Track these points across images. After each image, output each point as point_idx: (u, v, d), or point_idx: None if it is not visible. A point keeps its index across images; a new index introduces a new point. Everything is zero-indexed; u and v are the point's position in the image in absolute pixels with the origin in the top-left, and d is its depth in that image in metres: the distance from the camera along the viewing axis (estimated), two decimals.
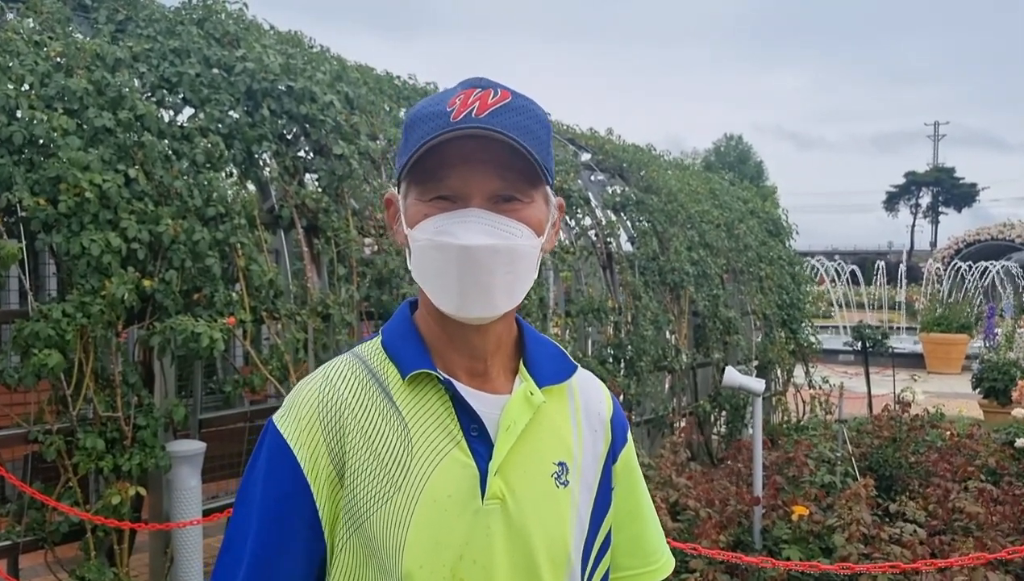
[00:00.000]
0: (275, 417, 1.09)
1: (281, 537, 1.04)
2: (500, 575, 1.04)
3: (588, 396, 1.21)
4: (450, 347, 1.10)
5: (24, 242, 3.57)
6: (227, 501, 4.32)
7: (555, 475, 1.11)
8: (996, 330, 10.96)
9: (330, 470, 1.04)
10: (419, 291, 1.11)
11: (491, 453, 1.06)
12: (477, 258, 1.01)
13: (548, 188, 1.09)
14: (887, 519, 4.00)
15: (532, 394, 1.11)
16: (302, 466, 1.04)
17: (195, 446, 3.90)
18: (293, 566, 1.05)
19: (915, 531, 3.32)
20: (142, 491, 3.67)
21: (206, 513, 4.01)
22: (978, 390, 9.80)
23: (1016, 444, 5.79)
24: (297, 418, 1.06)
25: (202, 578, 3.99)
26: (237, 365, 5.07)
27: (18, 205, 3.45)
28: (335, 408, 1.06)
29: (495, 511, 1.05)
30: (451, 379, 1.08)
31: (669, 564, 1.28)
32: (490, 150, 1.00)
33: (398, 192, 1.10)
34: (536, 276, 1.09)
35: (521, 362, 1.15)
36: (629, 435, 1.26)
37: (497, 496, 1.05)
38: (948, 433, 5.78)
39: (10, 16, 4.11)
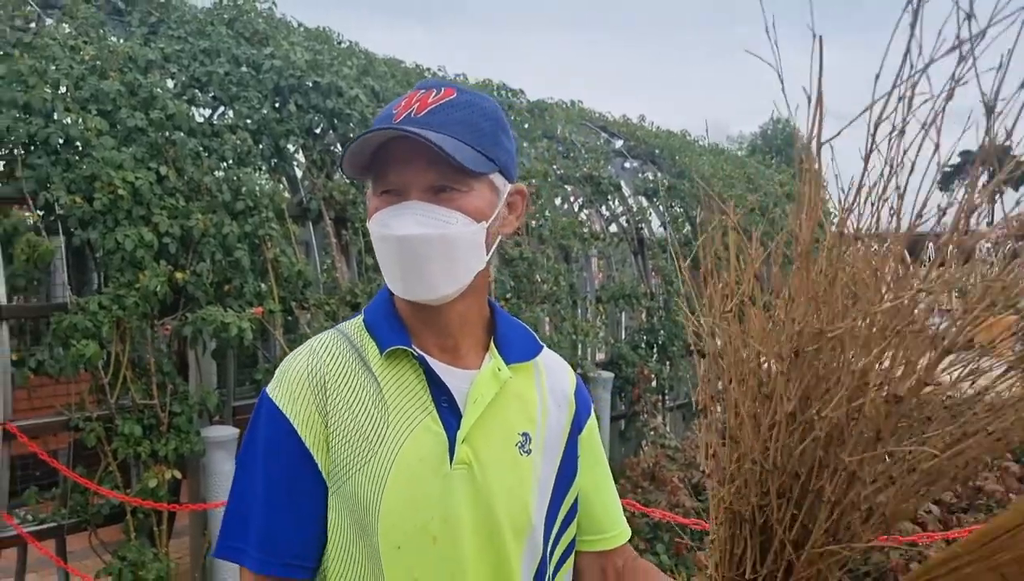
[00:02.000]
0: (268, 389, 1.17)
1: (288, 475, 1.12)
2: (467, 535, 1.13)
3: (553, 374, 1.30)
4: (421, 325, 1.19)
5: (63, 239, 3.75)
6: None
7: (519, 444, 1.19)
8: None
9: (323, 431, 1.13)
10: None
11: (460, 423, 1.15)
12: (411, 247, 1.10)
13: (497, 175, 1.17)
14: None
15: (499, 370, 1.20)
16: (297, 429, 1.12)
17: (229, 431, 4.05)
18: (303, 501, 1.13)
19: (929, 509, 3.33)
20: (178, 474, 3.83)
21: None
22: None
23: None
24: (288, 388, 1.14)
25: None
26: (276, 354, 5.22)
27: (56, 203, 3.62)
28: (320, 377, 1.14)
29: (463, 475, 1.13)
30: (424, 355, 1.16)
31: (626, 533, 1.37)
32: (421, 147, 1.09)
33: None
34: (486, 258, 1.17)
35: (492, 341, 1.24)
36: (593, 411, 1.35)
37: (464, 462, 1.13)
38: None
39: (48, 22, 4.28)
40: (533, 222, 5.99)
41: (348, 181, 4.76)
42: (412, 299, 1.14)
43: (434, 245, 1.10)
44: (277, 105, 4.59)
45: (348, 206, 4.71)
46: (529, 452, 1.20)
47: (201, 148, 4.11)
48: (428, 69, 6.56)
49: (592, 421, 1.33)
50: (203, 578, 4.22)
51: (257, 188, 4.21)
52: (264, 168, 4.51)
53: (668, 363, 6.62)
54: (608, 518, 1.34)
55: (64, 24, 4.26)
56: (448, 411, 1.15)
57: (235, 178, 4.12)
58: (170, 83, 4.31)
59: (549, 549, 1.23)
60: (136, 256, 3.66)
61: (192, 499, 4.19)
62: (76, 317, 3.52)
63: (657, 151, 7.82)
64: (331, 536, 1.14)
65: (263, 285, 4.15)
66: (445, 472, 1.13)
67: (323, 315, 4.42)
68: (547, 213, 6.01)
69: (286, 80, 4.60)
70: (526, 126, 6.74)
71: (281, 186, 4.69)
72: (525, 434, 1.20)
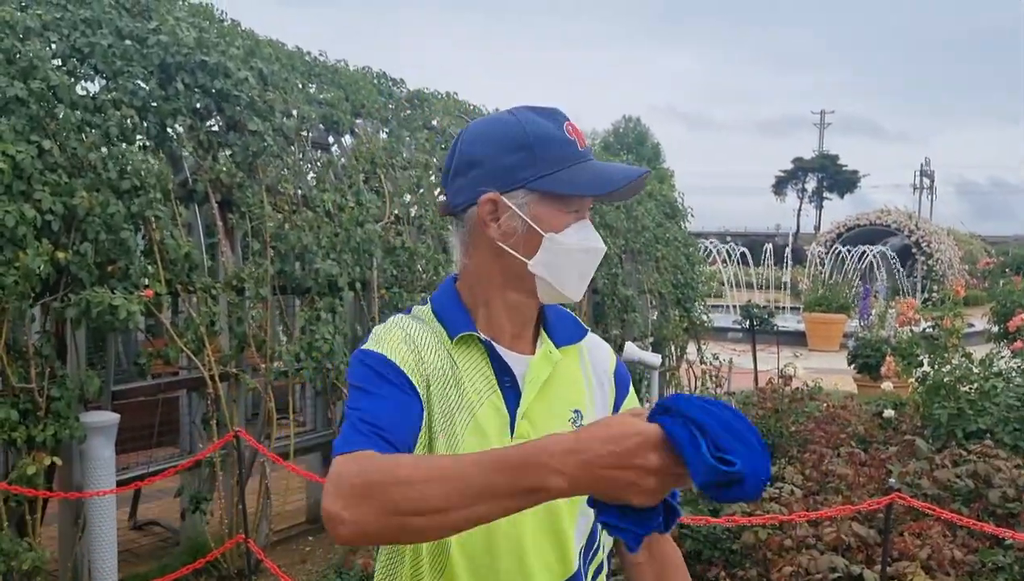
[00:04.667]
0: (367, 346, 1.26)
1: (400, 389, 1.21)
2: None
3: (596, 355, 1.45)
4: (504, 316, 1.33)
5: None
6: (140, 472, 4.36)
7: (572, 420, 1.34)
8: (870, 310, 11.70)
9: (424, 388, 1.24)
10: (491, 273, 1.31)
11: (519, 400, 1.30)
12: (599, 259, 1.34)
13: None
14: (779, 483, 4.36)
15: (551, 352, 1.35)
16: (405, 371, 1.22)
17: (109, 417, 3.93)
18: (401, 401, 1.20)
19: (792, 491, 3.66)
20: (58, 460, 3.70)
21: (119, 484, 4.06)
22: (853, 366, 10.48)
23: (884, 415, 6.30)
24: (390, 346, 1.25)
25: (115, 547, 4.04)
26: (148, 337, 5.07)
27: None
28: (416, 346, 1.27)
29: None
30: (491, 340, 1.31)
31: None
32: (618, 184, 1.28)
33: (501, 194, 1.28)
34: None
35: (542, 327, 1.39)
36: (631, 387, 1.51)
37: (523, 436, 1.27)
38: (825, 405, 6.24)
39: None
40: (412, 211, 6.06)
41: (235, 164, 4.68)
42: (571, 301, 1.33)
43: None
44: (161, 81, 4.46)
45: (234, 189, 4.63)
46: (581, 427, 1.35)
47: (84, 122, 3.96)
48: (309, 53, 6.48)
49: (630, 399, 1.48)
50: (74, 568, 4.09)
51: (143, 168, 4.09)
52: (149, 146, 4.38)
53: None
54: None
55: None
56: (510, 390, 1.30)
57: (120, 156, 3.99)
58: (48, 52, 4.11)
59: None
60: (17, 233, 3.50)
61: (64, 486, 4.04)
62: None
63: None
64: None
65: (148, 267, 4.04)
66: (506, 444, 1.25)
67: (209, 299, 4.34)
68: (428, 204, 6.09)
69: (172, 57, 4.47)
70: (405, 116, 6.78)
71: (164, 165, 4.56)
72: (577, 411, 1.35)
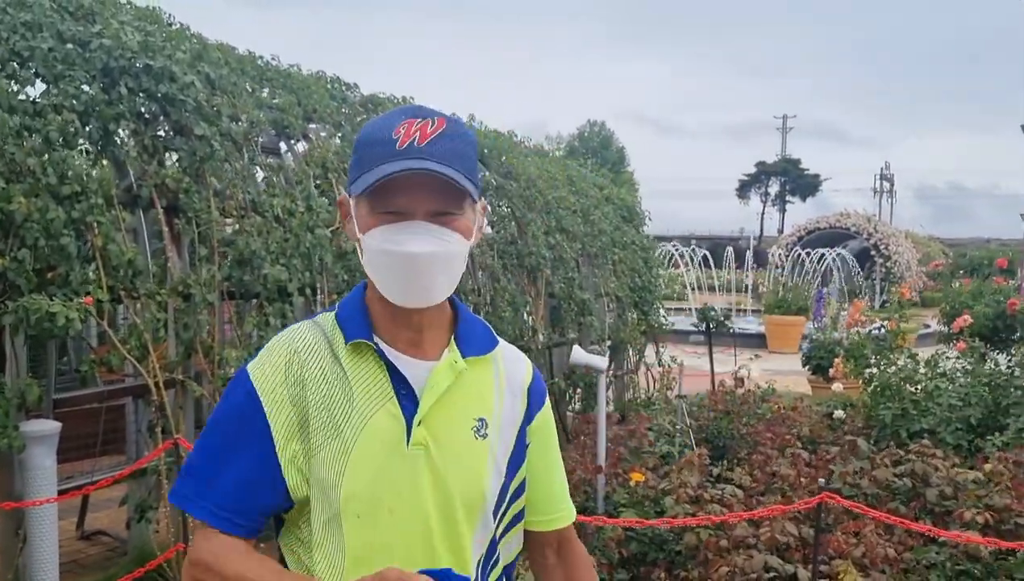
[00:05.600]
0: (249, 367, 1.33)
1: (247, 442, 1.29)
2: (423, 509, 1.29)
3: (511, 367, 1.46)
4: (393, 322, 1.34)
5: None
6: (82, 481, 4.31)
7: (475, 428, 1.35)
8: (823, 313, 11.87)
9: (289, 410, 1.29)
10: (369, 278, 1.33)
11: (417, 408, 1.31)
12: (419, 261, 1.25)
13: (473, 196, 1.33)
14: (718, 483, 4.41)
15: (456, 362, 1.35)
16: (267, 411, 1.29)
17: (50, 426, 3.88)
18: (246, 451, 1.29)
19: (734, 492, 3.71)
20: None
21: (61, 493, 4.00)
22: (807, 367, 10.62)
23: (834, 416, 6.40)
24: (266, 373, 1.31)
25: (57, 558, 3.98)
26: (92, 344, 5.01)
27: None
28: (298, 369, 1.31)
29: (420, 456, 1.30)
30: (384, 348, 1.32)
31: (572, 514, 1.54)
32: (430, 177, 1.24)
33: (349, 197, 1.32)
34: (464, 268, 1.34)
35: (452, 337, 1.39)
36: (547, 401, 1.51)
37: (421, 443, 1.29)
38: (776, 406, 6.33)
39: None
40: None
41: (181, 170, 4.65)
42: (410, 305, 1.29)
43: (439, 261, 1.26)
44: (105, 86, 4.41)
45: (181, 194, 4.59)
46: (485, 436, 1.36)
47: (23, 127, 3.90)
48: (260, 57, 6.45)
49: (543, 412, 1.49)
50: (15, 579, 4.02)
51: (85, 173, 4.04)
52: (91, 152, 4.33)
53: None
54: (550, 502, 1.50)
55: None
56: (407, 398, 1.31)
57: (60, 161, 3.94)
58: None
59: (497, 521, 1.38)
60: None
61: (4, 497, 3.97)
62: None
63: (486, 151, 8.04)
64: (310, 504, 1.29)
65: (90, 273, 3.99)
66: (403, 452, 1.28)
67: (154, 305, 4.30)
68: None
69: (116, 61, 4.42)
70: (359, 120, 6.77)
71: (108, 170, 4.51)
72: (482, 419, 1.36)
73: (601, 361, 4.35)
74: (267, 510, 1.32)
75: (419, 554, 1.28)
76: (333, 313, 1.39)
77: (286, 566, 1.34)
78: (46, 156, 3.94)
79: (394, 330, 1.34)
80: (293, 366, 1.31)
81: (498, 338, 1.46)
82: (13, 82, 4.05)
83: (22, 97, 4.07)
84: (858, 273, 24.04)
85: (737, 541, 3.29)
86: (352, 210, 1.32)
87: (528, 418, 1.45)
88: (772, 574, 3.08)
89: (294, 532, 1.34)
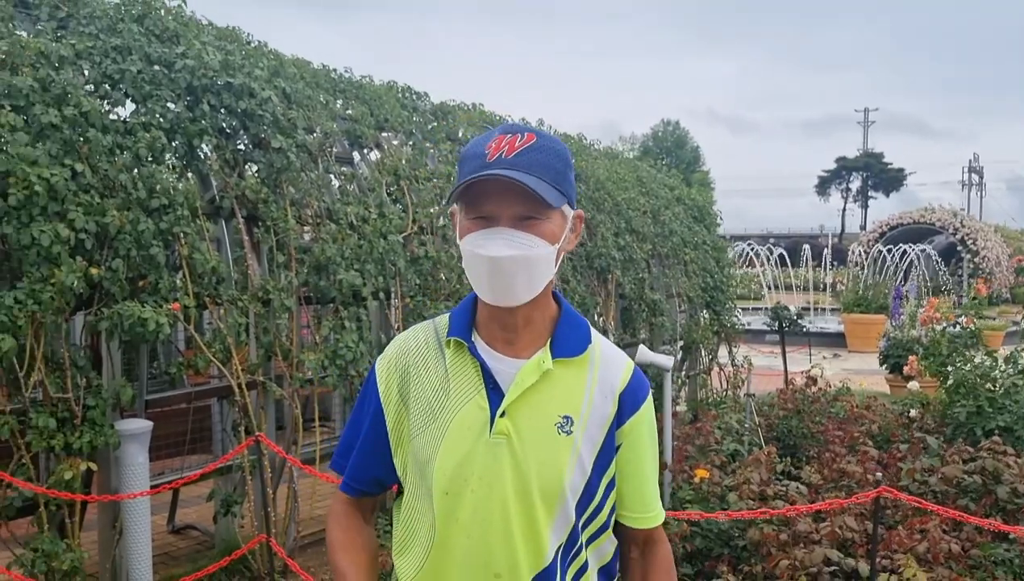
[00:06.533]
0: (377, 360, 1.59)
1: (363, 415, 1.58)
2: (502, 492, 1.43)
3: (607, 370, 1.54)
4: (491, 322, 1.49)
5: None
6: (172, 477, 4.56)
7: (559, 424, 1.47)
8: (901, 310, 11.61)
9: (397, 398, 1.52)
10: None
11: (502, 402, 1.46)
12: (500, 265, 1.38)
13: (566, 205, 1.45)
14: (787, 481, 4.42)
15: (543, 362, 1.48)
16: (381, 397, 1.54)
17: (142, 424, 4.13)
18: (369, 431, 1.56)
19: (799, 488, 3.73)
20: (93, 466, 3.91)
21: (153, 488, 4.26)
22: (884, 366, 10.41)
23: (911, 415, 6.30)
24: (383, 365, 1.56)
25: (150, 550, 4.23)
26: (180, 348, 5.29)
27: None
28: (404, 361, 1.54)
29: (502, 444, 1.44)
30: (479, 346, 1.48)
31: (660, 515, 1.61)
32: (514, 185, 1.37)
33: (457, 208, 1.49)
34: (555, 270, 1.47)
35: (549, 337, 1.52)
36: (642, 407, 1.56)
37: (503, 432, 1.44)
38: (848, 405, 6.27)
39: None
40: (439, 222, 6.21)
41: (260, 181, 4.89)
42: (498, 304, 1.44)
43: (519, 263, 1.39)
44: (189, 104, 4.67)
45: (260, 204, 4.83)
46: (570, 432, 1.47)
47: (114, 145, 4.17)
48: (334, 69, 6.68)
49: (637, 417, 1.54)
50: (112, 570, 4.29)
51: (171, 186, 4.29)
52: (177, 166, 4.59)
53: None
54: (640, 502, 1.57)
55: None
56: (495, 392, 1.46)
57: (149, 175, 4.20)
58: (81, 79, 4.34)
59: (583, 522, 1.49)
60: (52, 251, 3.71)
61: (101, 492, 4.25)
62: None
63: None
64: (402, 480, 1.52)
65: (177, 281, 4.24)
66: (486, 439, 1.44)
67: (236, 311, 4.53)
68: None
69: (199, 80, 4.68)
70: (429, 128, 6.95)
71: (192, 183, 4.77)
72: (567, 417, 1.48)
73: (666, 360, 4.42)
74: (382, 481, 1.56)
75: (496, 533, 1.42)
76: (447, 314, 1.57)
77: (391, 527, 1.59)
78: (136, 171, 4.21)
79: (492, 329, 1.50)
80: (402, 360, 1.53)
81: (597, 341, 1.55)
82: (106, 103, 4.33)
83: (113, 117, 4.35)
84: (943, 270, 23.32)
85: (799, 536, 3.33)
86: (456, 217, 1.48)
87: (619, 421, 1.52)
88: (833, 568, 3.11)
89: (399, 502, 1.55)
